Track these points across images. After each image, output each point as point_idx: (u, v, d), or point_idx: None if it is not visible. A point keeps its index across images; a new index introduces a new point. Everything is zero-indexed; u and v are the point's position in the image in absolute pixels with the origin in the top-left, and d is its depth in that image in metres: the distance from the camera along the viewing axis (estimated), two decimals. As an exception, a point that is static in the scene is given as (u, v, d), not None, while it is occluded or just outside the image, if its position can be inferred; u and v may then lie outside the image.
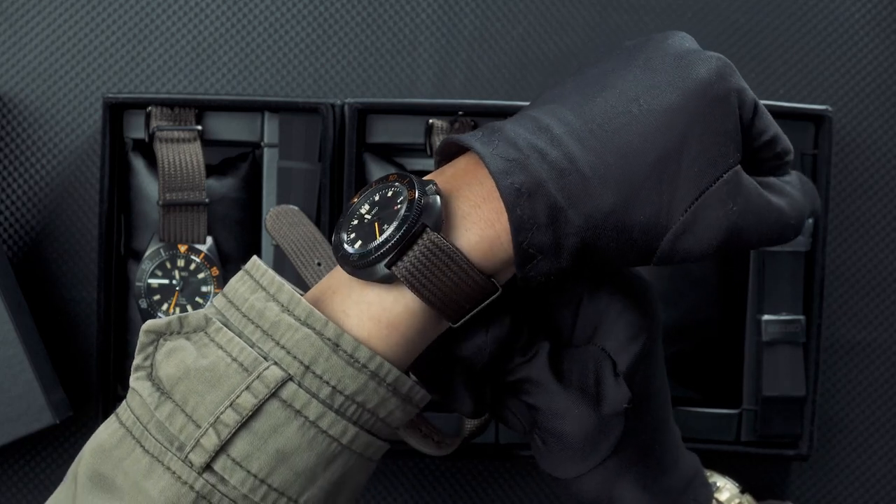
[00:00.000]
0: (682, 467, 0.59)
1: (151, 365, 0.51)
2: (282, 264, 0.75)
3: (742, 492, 0.71)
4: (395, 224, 0.50)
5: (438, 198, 0.50)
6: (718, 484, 0.69)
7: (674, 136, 0.51)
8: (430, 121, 0.75)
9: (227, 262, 0.76)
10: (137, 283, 0.74)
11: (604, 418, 0.55)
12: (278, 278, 0.51)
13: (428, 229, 0.50)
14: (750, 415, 0.77)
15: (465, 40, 0.81)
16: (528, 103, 0.75)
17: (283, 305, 0.50)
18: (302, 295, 0.52)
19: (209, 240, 0.75)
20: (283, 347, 0.50)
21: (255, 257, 0.53)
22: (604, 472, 0.56)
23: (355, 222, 0.52)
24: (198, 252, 0.74)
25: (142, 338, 0.52)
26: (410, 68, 0.81)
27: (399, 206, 0.51)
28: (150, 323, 0.52)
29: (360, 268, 0.50)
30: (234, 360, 0.50)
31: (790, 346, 0.76)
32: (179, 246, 0.74)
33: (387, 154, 0.77)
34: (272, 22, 0.80)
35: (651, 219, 0.51)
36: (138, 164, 0.76)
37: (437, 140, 0.74)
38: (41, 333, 0.76)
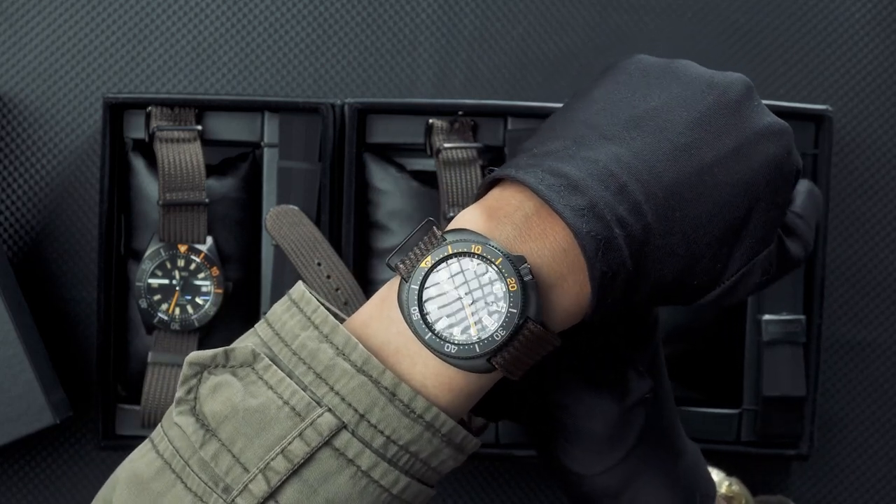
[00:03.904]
0: (689, 452, 0.60)
1: (195, 399, 0.50)
2: (282, 264, 0.75)
3: (729, 475, 0.71)
4: (499, 322, 0.49)
5: (535, 281, 0.49)
6: None
7: (740, 211, 0.52)
8: (430, 121, 0.75)
9: (227, 262, 0.76)
10: (137, 283, 0.74)
11: (627, 410, 0.56)
12: (331, 317, 0.50)
13: (530, 320, 0.49)
14: (750, 415, 0.77)
15: (465, 40, 0.81)
16: (527, 103, 0.76)
17: (337, 349, 0.49)
18: (343, 320, 0.51)
19: (209, 240, 0.75)
20: (337, 394, 0.48)
21: (300, 284, 0.51)
22: (627, 463, 0.57)
23: (433, 291, 0.49)
24: (198, 252, 0.74)
25: (185, 370, 0.50)
26: (410, 68, 0.81)
27: (498, 297, 0.49)
28: (194, 354, 0.50)
29: (459, 359, 0.49)
30: (286, 403, 0.48)
31: (790, 345, 0.76)
32: (179, 246, 0.74)
33: (387, 154, 0.77)
34: (272, 22, 0.80)
35: (702, 282, 0.53)
36: (138, 164, 0.76)
37: (437, 140, 0.74)
38: (41, 333, 0.76)
